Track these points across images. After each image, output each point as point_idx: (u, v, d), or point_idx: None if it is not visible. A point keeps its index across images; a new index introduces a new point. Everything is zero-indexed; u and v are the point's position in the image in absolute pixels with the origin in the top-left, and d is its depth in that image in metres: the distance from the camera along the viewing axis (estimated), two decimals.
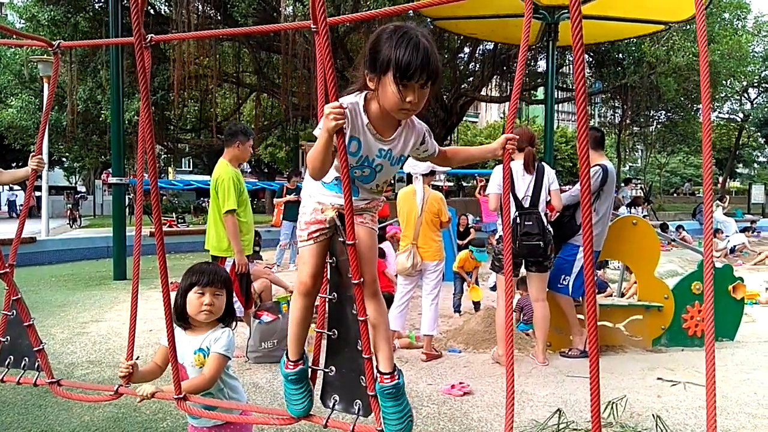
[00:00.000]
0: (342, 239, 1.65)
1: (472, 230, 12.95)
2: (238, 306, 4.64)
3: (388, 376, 1.77)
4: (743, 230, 16.37)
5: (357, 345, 1.67)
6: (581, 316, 4.93)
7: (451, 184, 37.74)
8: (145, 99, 1.75)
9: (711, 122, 1.51)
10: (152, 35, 1.98)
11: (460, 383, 3.94)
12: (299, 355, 1.90)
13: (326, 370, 1.80)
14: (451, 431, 3.30)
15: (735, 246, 12.60)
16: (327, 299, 1.82)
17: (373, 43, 1.67)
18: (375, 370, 1.74)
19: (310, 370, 1.91)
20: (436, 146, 1.93)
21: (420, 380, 4.13)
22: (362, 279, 1.58)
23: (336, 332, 1.77)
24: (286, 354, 1.91)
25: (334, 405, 1.78)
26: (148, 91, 2.01)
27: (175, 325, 2.16)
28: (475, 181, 24.67)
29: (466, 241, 12.26)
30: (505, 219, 1.95)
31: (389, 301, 5.19)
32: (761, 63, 27.13)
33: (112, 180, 8.37)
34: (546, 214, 4.51)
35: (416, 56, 1.60)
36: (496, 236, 4.70)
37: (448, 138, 23.16)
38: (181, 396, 1.88)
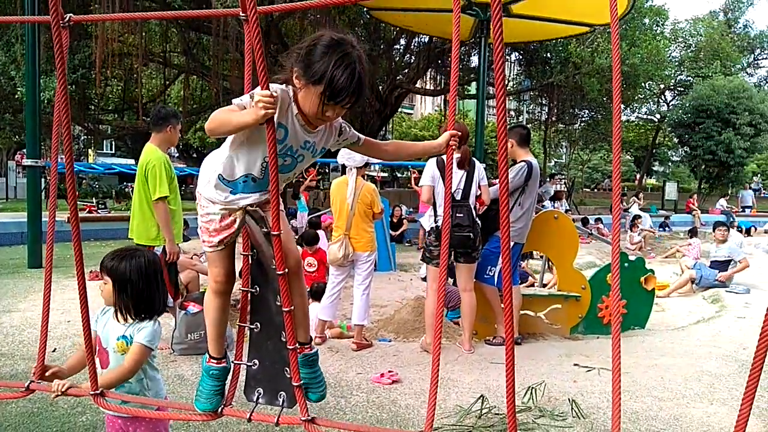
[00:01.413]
0: (266, 230, 1.64)
1: (405, 221, 13.12)
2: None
3: (308, 346, 1.94)
4: (660, 225, 17.42)
5: (281, 336, 1.67)
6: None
7: (386, 174, 37.98)
8: (62, 80, 1.66)
9: (621, 122, 1.61)
10: (71, 15, 1.88)
11: (389, 372, 4.01)
12: (221, 353, 1.90)
13: (249, 363, 1.80)
14: (379, 419, 3.35)
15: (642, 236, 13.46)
16: (248, 292, 1.80)
17: (311, 48, 1.66)
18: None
19: (232, 365, 1.90)
20: (357, 135, 1.97)
21: (350, 369, 4.17)
22: (286, 270, 1.58)
23: (258, 325, 1.76)
24: (208, 352, 1.90)
25: (258, 398, 1.78)
26: (65, 73, 1.92)
27: (110, 308, 2.14)
28: (408, 172, 24.92)
29: (398, 233, 12.42)
30: (445, 211, 2.00)
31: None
32: (677, 67, 28.82)
33: (26, 162, 7.88)
34: (475, 207, 4.64)
35: (350, 83, 1.63)
36: (428, 228, 4.78)
37: (383, 129, 23.26)
38: (98, 392, 1.82)
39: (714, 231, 8.57)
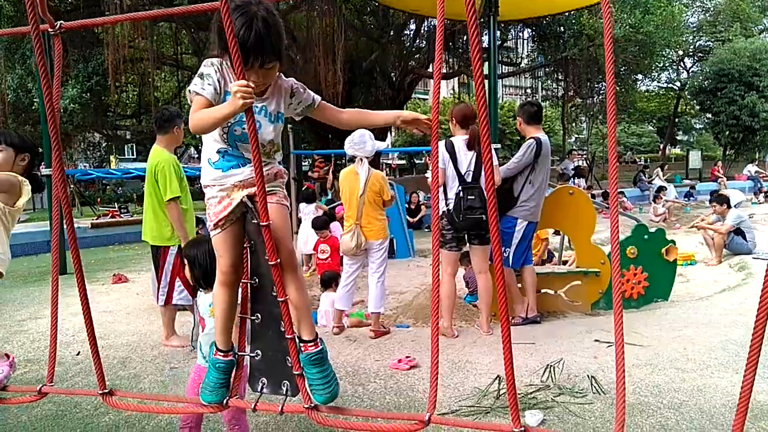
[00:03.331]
0: (256, 221, 1.64)
1: (423, 207, 13.08)
2: (185, 295, 4.57)
3: (312, 344, 1.84)
4: (686, 195, 17.12)
5: (280, 326, 1.68)
6: (520, 285, 5.08)
7: (403, 161, 37.89)
8: (48, 90, 1.67)
9: (615, 93, 1.56)
10: (62, 22, 1.89)
11: (407, 357, 4.01)
12: (228, 346, 1.91)
13: (252, 354, 1.80)
14: (397, 404, 3.36)
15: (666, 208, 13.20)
16: (249, 284, 1.81)
17: (218, 17, 1.67)
18: (297, 343, 1.76)
19: (237, 358, 1.91)
20: (312, 96, 1.99)
21: (368, 357, 4.18)
22: (279, 260, 1.58)
23: (259, 316, 1.77)
24: (215, 344, 1.92)
25: (262, 388, 1.79)
26: (58, 82, 1.94)
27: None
28: (425, 159, 24.78)
29: (416, 219, 12.40)
30: (433, 197, 1.98)
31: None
32: (695, 33, 28.07)
33: (45, 171, 8.02)
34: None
35: (247, 41, 1.63)
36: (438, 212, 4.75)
37: None
38: (106, 391, 1.84)
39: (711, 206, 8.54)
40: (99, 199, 21.59)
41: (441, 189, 4.69)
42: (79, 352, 4.45)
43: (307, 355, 1.82)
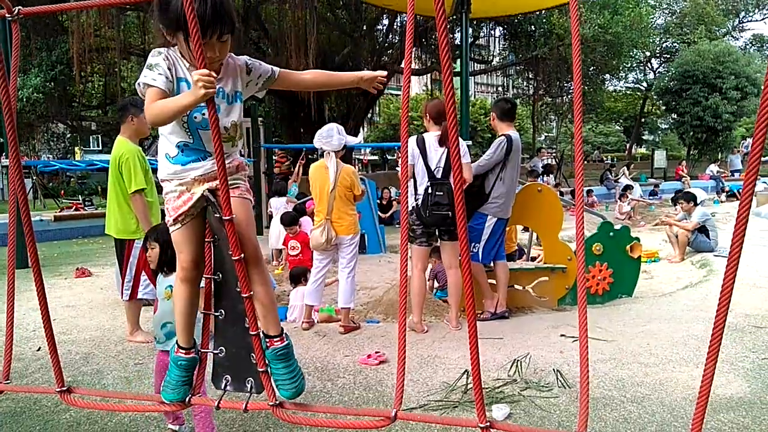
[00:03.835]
0: (218, 215, 1.61)
1: (394, 203, 13.10)
2: (150, 289, 4.48)
3: (278, 339, 1.83)
4: (650, 193, 17.50)
5: (244, 323, 1.65)
6: (492, 281, 5.13)
7: (375, 157, 37.87)
8: (4, 79, 1.60)
9: (582, 92, 1.58)
10: (20, 7, 1.82)
11: (377, 353, 4.01)
12: (190, 344, 1.88)
13: (215, 351, 1.77)
14: (366, 399, 3.35)
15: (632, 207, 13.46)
16: (212, 279, 1.78)
17: (162, 0, 1.65)
18: (263, 339, 1.74)
19: (200, 355, 1.88)
20: (269, 68, 1.95)
21: (337, 352, 4.17)
22: (242, 255, 1.55)
23: (223, 312, 1.73)
24: (177, 342, 1.88)
25: (226, 385, 1.76)
26: (16, 70, 1.87)
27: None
28: (397, 154, 24.76)
29: (388, 215, 12.41)
30: (402, 193, 1.97)
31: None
32: (662, 34, 28.68)
33: (3, 162, 7.78)
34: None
35: (204, 13, 1.60)
36: (408, 207, 4.75)
37: (371, 110, 23.10)
38: (64, 389, 1.79)
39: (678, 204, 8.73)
40: (62, 192, 21.03)
41: (411, 184, 4.69)
42: (39, 348, 4.33)
43: (273, 350, 1.81)
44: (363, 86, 2.12)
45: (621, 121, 37.50)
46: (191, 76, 1.69)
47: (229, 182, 1.65)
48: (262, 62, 1.93)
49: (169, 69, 1.71)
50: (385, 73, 2.05)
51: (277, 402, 1.66)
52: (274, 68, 1.96)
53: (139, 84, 1.72)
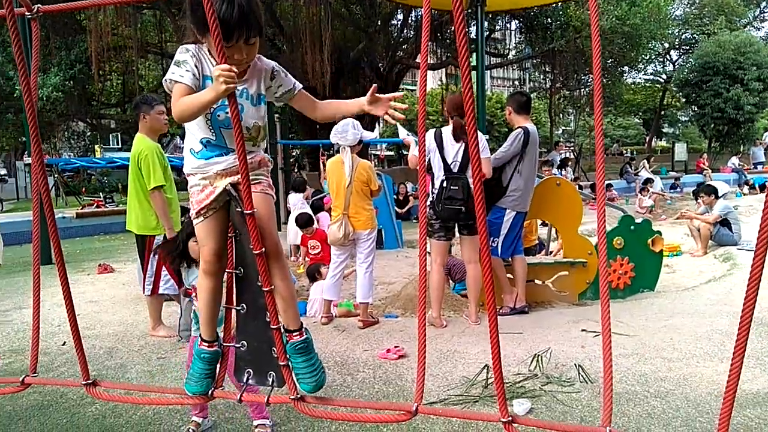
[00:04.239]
0: (240, 209, 1.61)
1: (411, 198, 13.08)
2: (171, 284, 4.53)
3: (297, 333, 1.84)
4: (671, 187, 17.26)
5: (265, 316, 1.65)
6: (511, 276, 5.10)
7: (391, 152, 37.79)
8: (26, 77, 1.62)
9: (602, 85, 1.55)
10: (39, 5, 1.84)
11: (395, 347, 4.01)
12: (213, 336, 1.89)
13: (238, 345, 1.78)
14: (386, 393, 3.35)
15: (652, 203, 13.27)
16: (234, 274, 1.79)
17: (194, 1, 1.66)
18: (283, 333, 1.75)
19: (222, 349, 1.89)
20: (293, 82, 1.95)
21: (356, 347, 4.18)
22: (263, 249, 1.56)
23: (245, 306, 1.74)
24: (200, 335, 1.89)
25: (248, 379, 1.77)
26: (36, 68, 1.88)
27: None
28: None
29: (404, 210, 12.40)
30: (420, 187, 1.96)
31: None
32: (681, 25, 28.19)
33: (27, 160, 7.90)
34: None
35: (231, 17, 1.60)
36: (428, 201, 4.75)
37: None
38: (90, 382, 1.81)
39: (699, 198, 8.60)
40: (84, 189, 21.31)
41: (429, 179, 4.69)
42: (65, 342, 4.40)
43: (293, 344, 1.82)
44: (373, 112, 1.98)
45: (640, 113, 36.95)
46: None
47: (251, 177, 1.66)
48: (289, 74, 1.93)
49: (196, 66, 1.72)
50: (400, 94, 1.98)
51: (299, 395, 1.67)
52: (297, 84, 1.95)
53: (165, 80, 1.73)
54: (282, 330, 1.74)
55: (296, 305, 1.91)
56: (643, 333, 4.24)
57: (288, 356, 1.74)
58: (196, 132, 1.81)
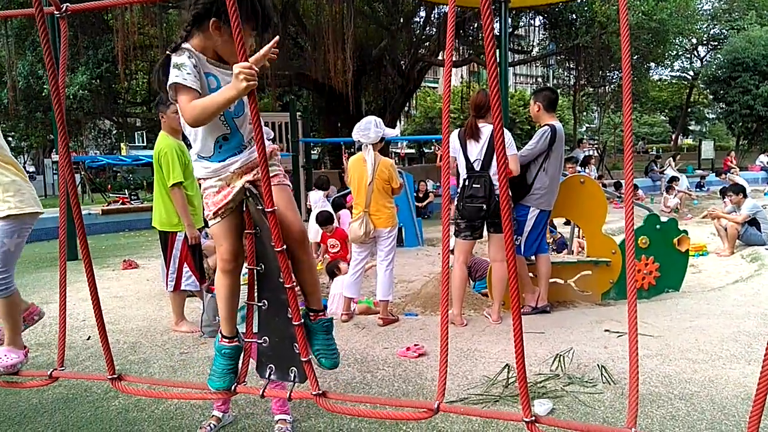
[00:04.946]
0: (260, 207, 1.62)
1: (431, 195, 13.07)
2: (192, 280, 4.58)
3: (321, 313, 1.95)
4: (697, 185, 16.95)
5: (287, 312, 1.66)
6: (533, 275, 5.05)
7: (412, 150, 37.76)
8: (54, 75, 1.65)
9: (631, 84, 1.52)
10: (68, 4, 1.87)
11: (415, 345, 4.00)
12: (233, 332, 1.92)
13: (259, 341, 1.79)
14: (405, 391, 3.35)
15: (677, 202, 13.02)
16: (255, 270, 1.80)
17: None
18: (307, 318, 1.83)
19: (244, 344, 1.91)
20: None
21: (376, 345, 4.18)
22: (284, 246, 1.56)
23: (266, 303, 1.75)
24: (221, 331, 1.92)
25: (270, 375, 1.78)
26: (64, 67, 1.91)
27: None
28: (434, 147, 24.56)
29: (423, 204, 12.41)
30: (443, 183, 1.94)
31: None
32: (709, 20, 27.64)
33: (54, 158, 8.06)
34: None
35: (260, 3, 1.68)
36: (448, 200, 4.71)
37: (407, 104, 23.01)
38: (115, 376, 1.84)
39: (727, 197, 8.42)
40: (110, 186, 21.69)
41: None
42: (89, 337, 4.48)
43: (320, 321, 1.92)
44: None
45: (666, 110, 36.36)
46: (216, 69, 1.74)
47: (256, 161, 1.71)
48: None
49: (195, 66, 1.72)
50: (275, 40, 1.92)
51: (320, 392, 1.67)
52: None
53: (170, 85, 1.69)
54: (306, 311, 1.83)
55: (319, 289, 2.02)
56: (667, 334, 4.16)
57: (311, 334, 1.83)
58: (208, 134, 1.80)
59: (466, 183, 4.48)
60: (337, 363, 1.95)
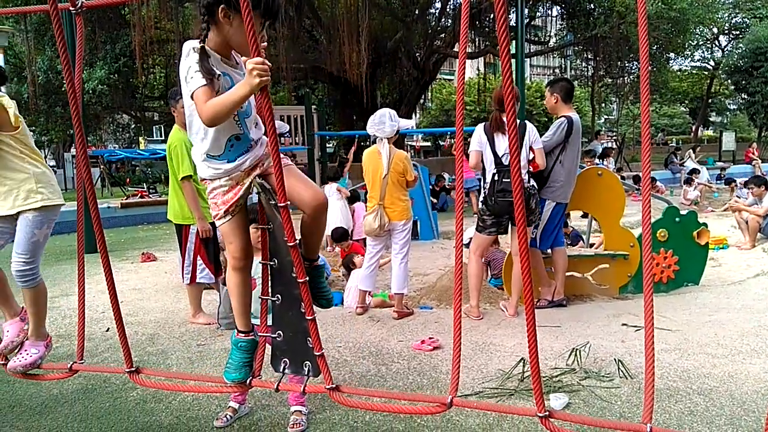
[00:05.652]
0: (273, 202, 1.62)
1: (447, 187, 13.00)
2: (206, 273, 4.62)
3: (316, 261, 2.05)
4: (717, 178, 16.67)
5: (300, 307, 1.67)
6: (549, 268, 5.01)
7: (428, 143, 37.61)
8: (69, 70, 1.66)
9: (649, 72, 1.49)
10: (83, 0, 1.88)
11: (430, 338, 4.00)
12: (248, 327, 1.93)
13: (274, 335, 1.80)
14: (420, 385, 3.35)
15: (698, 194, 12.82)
16: (268, 265, 1.81)
17: None
18: (304, 260, 1.86)
19: (259, 339, 1.93)
20: None
21: (391, 338, 4.18)
22: (297, 241, 1.57)
23: (279, 297, 1.76)
24: (236, 326, 1.94)
25: (284, 369, 1.79)
26: (80, 62, 1.92)
27: None
28: (450, 140, 24.45)
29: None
30: (457, 174, 1.93)
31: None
32: (731, 9, 27.10)
33: (73, 152, 8.16)
34: (528, 171, 4.50)
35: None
36: (480, 197, 4.70)
37: (423, 96, 22.91)
38: (133, 369, 1.86)
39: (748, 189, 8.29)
40: (128, 180, 21.93)
41: (480, 173, 4.63)
42: (108, 329, 4.54)
43: (316, 267, 2.02)
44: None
45: (686, 101, 35.78)
46: (225, 66, 1.75)
47: (271, 162, 1.70)
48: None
49: (205, 64, 1.72)
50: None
51: (334, 385, 1.68)
52: None
53: (189, 92, 1.68)
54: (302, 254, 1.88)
55: (319, 243, 2.13)
56: (686, 328, 4.11)
57: (310, 277, 1.87)
58: (220, 134, 1.79)
59: (495, 177, 4.42)
60: (331, 302, 2.08)
